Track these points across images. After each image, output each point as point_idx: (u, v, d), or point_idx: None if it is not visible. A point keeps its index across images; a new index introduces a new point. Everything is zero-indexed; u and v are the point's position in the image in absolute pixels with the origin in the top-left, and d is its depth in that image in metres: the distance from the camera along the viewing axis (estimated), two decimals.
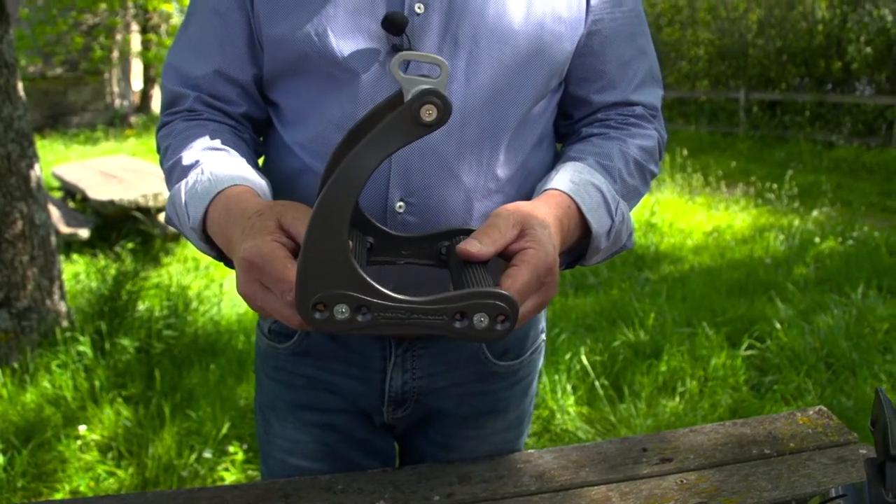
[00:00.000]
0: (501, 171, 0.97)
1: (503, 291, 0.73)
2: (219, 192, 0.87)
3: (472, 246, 0.79)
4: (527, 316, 0.80)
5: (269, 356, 1.14)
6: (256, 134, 1.06)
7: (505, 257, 0.82)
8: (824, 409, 1.22)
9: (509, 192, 0.98)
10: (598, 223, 0.91)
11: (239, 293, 0.80)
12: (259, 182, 0.91)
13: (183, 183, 0.90)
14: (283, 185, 1.00)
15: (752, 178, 7.97)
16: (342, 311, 0.64)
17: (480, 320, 0.72)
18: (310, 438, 1.12)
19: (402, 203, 0.94)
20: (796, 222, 6.18)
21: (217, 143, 0.95)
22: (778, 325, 3.71)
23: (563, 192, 0.90)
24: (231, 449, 2.65)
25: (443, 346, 1.08)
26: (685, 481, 1.03)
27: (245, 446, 2.69)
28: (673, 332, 3.59)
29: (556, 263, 0.82)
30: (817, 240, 5.60)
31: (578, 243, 0.94)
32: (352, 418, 1.12)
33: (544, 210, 0.86)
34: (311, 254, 0.62)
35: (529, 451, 1.13)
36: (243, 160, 0.94)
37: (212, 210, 0.87)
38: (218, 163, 0.91)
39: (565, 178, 0.92)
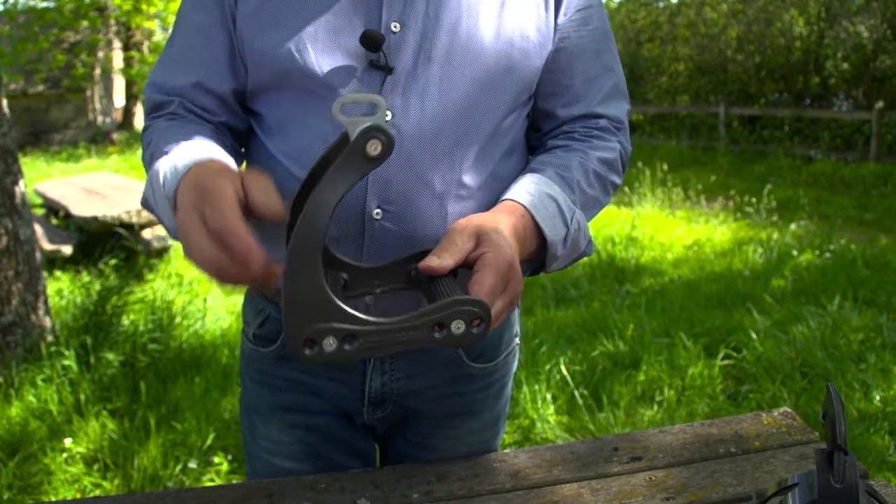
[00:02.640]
0: (473, 180, 1.02)
1: (473, 297, 0.78)
2: (195, 163, 0.87)
3: (432, 261, 0.85)
4: (500, 315, 0.86)
5: (253, 360, 1.18)
6: (236, 143, 1.10)
7: (467, 266, 0.87)
8: (789, 410, 1.27)
9: (481, 199, 1.03)
10: (552, 231, 0.97)
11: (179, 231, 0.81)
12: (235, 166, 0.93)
13: (162, 161, 0.91)
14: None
15: (732, 191, 8.08)
16: (330, 344, 0.68)
17: (458, 327, 0.78)
18: (293, 440, 1.16)
19: (379, 210, 0.98)
20: (775, 236, 6.27)
21: (199, 137, 0.97)
22: (754, 336, 3.77)
23: (518, 203, 0.97)
24: (216, 459, 2.67)
25: (420, 350, 1.12)
26: (653, 478, 1.07)
27: (230, 457, 2.72)
28: (651, 342, 3.65)
29: (516, 261, 0.89)
30: (795, 253, 5.68)
31: (537, 252, 1.00)
32: (334, 419, 1.16)
33: (498, 218, 0.93)
34: (292, 295, 0.65)
35: (505, 451, 1.17)
36: (225, 153, 0.96)
37: (184, 179, 0.86)
38: (199, 147, 0.93)
39: (522, 189, 0.99)
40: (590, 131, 1.11)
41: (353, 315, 0.68)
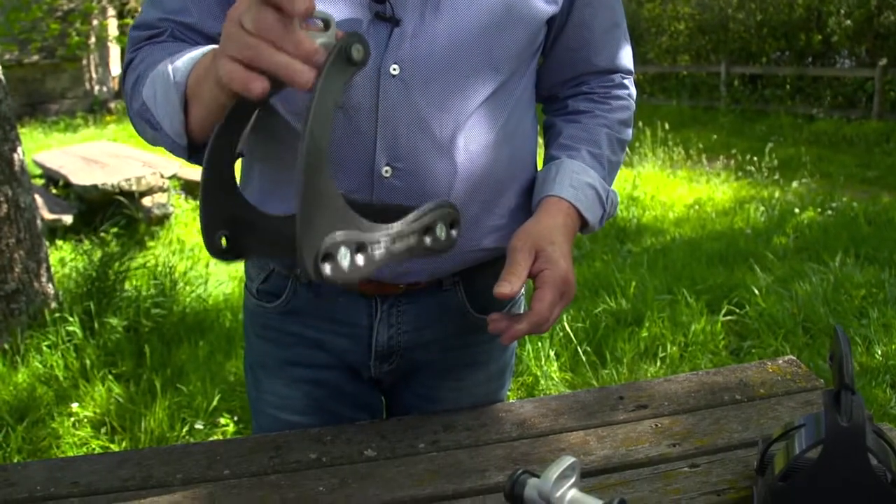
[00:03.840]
0: (483, 135, 1.01)
1: (448, 201, 0.78)
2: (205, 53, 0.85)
3: (504, 288, 0.97)
4: (555, 320, 1.02)
5: (257, 316, 1.18)
6: None
7: (530, 277, 1.00)
8: (793, 358, 1.27)
9: (491, 156, 1.02)
10: (593, 217, 1.09)
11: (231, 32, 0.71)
12: None
13: (167, 61, 0.88)
14: (272, 143, 1.03)
15: (733, 151, 8.05)
16: (345, 257, 0.65)
17: (441, 230, 0.76)
18: (299, 394, 1.16)
19: (388, 168, 0.97)
20: (776, 194, 6.26)
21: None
22: (757, 292, 3.78)
23: (564, 200, 1.06)
24: (222, 421, 2.70)
25: (426, 302, 1.13)
26: (659, 425, 1.08)
27: (235, 418, 2.74)
28: (654, 299, 3.65)
29: (571, 272, 1.02)
30: (797, 210, 5.67)
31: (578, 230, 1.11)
32: (340, 373, 1.16)
33: (551, 226, 1.03)
34: (306, 208, 0.63)
35: (511, 401, 1.17)
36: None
37: (199, 64, 0.84)
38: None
39: (565, 182, 1.07)
40: (607, 91, 1.17)
41: (361, 221, 0.66)
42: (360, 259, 0.65)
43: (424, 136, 0.97)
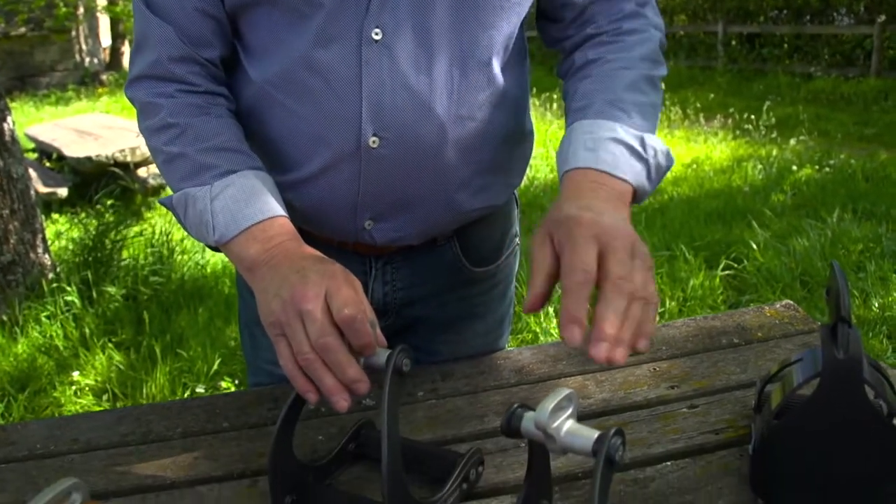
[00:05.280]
0: (473, 98, 0.97)
1: (474, 449, 0.86)
2: (260, 222, 0.89)
3: (533, 305, 0.75)
4: (651, 291, 0.74)
5: None
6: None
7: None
8: (791, 302, 1.27)
9: (483, 119, 0.99)
10: (632, 174, 0.87)
11: (295, 298, 0.78)
12: (285, 207, 0.93)
13: (207, 189, 0.90)
14: (249, 118, 1.01)
15: (731, 110, 8.00)
16: None
17: (473, 474, 0.84)
18: None
19: (375, 138, 0.94)
20: (774, 152, 6.24)
21: (227, 138, 0.94)
22: (755, 247, 3.78)
23: (581, 168, 0.86)
24: (223, 384, 2.71)
25: (421, 258, 1.12)
26: (657, 369, 1.08)
27: (236, 381, 2.75)
28: (652, 255, 3.65)
29: (605, 221, 0.76)
30: (795, 168, 5.66)
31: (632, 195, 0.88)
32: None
33: (564, 200, 0.81)
34: (394, 497, 0.72)
35: (509, 349, 1.18)
36: (265, 175, 0.94)
37: (249, 236, 0.88)
38: (248, 182, 0.91)
39: (579, 148, 0.88)
40: (618, 27, 1.00)
41: (425, 503, 0.77)
42: None
43: (410, 103, 0.93)
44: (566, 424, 0.64)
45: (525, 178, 5.11)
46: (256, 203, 0.89)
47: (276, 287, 0.81)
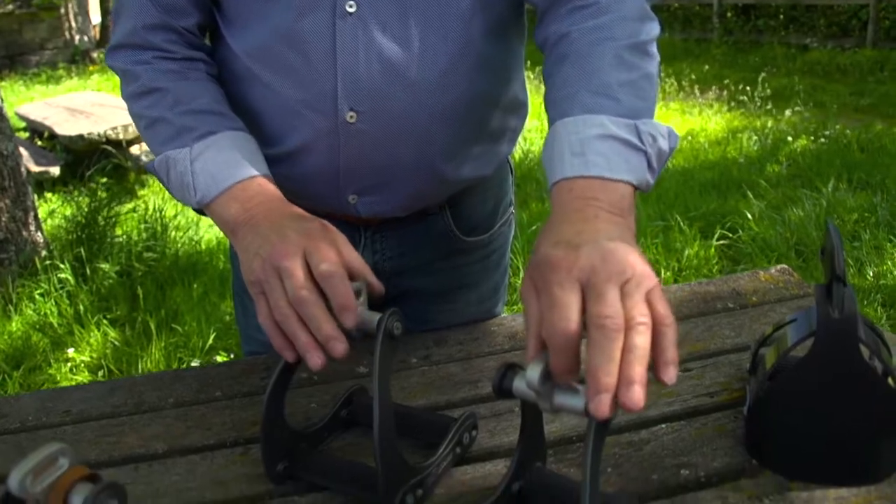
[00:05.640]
0: (452, 66, 0.94)
1: (468, 413, 0.85)
2: (240, 181, 0.88)
3: (530, 375, 0.63)
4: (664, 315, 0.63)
5: None
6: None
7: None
8: (786, 267, 1.26)
9: (464, 88, 0.96)
10: (629, 171, 0.75)
11: (272, 255, 0.77)
12: (266, 166, 0.92)
13: (187, 151, 0.90)
14: (233, 89, 0.99)
15: (726, 81, 7.97)
16: (410, 501, 0.75)
17: (466, 438, 0.84)
18: None
19: (353, 113, 0.92)
20: (769, 124, 6.22)
21: (206, 101, 0.94)
22: (750, 217, 3.78)
23: (570, 178, 0.74)
24: (219, 359, 2.70)
25: (411, 228, 1.10)
26: None
27: (232, 356, 2.74)
28: (647, 226, 3.65)
29: (590, 253, 0.64)
30: (790, 139, 5.65)
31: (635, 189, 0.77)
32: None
33: (551, 229, 0.70)
34: (385, 474, 0.72)
35: (503, 315, 1.17)
36: (246, 136, 0.93)
37: (229, 196, 0.87)
38: (227, 142, 0.90)
39: (564, 154, 0.76)
40: (584, 20, 0.85)
41: (420, 467, 0.77)
42: (419, 493, 0.76)
43: (386, 75, 0.91)
44: (535, 376, 0.63)
45: (520, 150, 5.08)
46: (236, 163, 0.89)
47: (256, 246, 0.80)
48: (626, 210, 0.72)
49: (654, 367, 0.60)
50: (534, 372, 0.62)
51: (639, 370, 0.57)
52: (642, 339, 0.58)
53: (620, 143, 0.76)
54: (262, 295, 0.78)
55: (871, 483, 0.77)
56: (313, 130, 0.94)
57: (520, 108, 1.10)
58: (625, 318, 0.59)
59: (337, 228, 1.08)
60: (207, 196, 0.88)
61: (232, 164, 0.89)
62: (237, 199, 0.87)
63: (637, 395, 0.56)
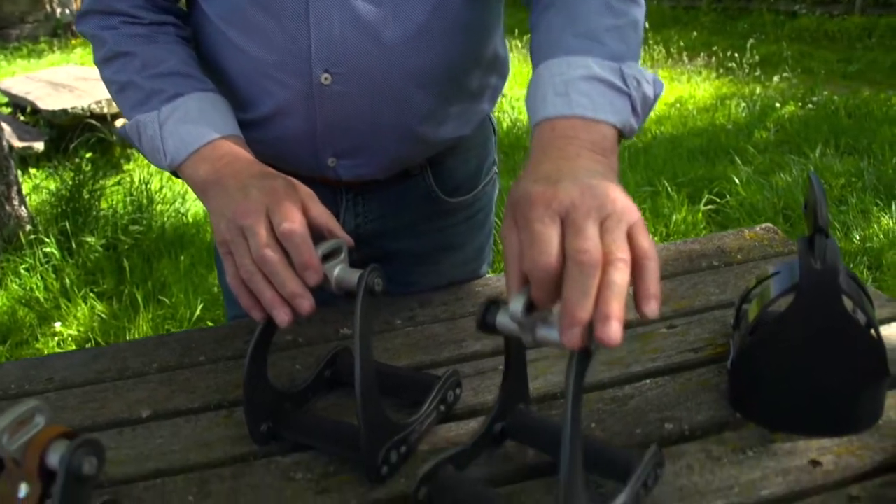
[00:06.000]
0: (429, 26, 0.92)
1: (451, 371, 0.85)
2: (209, 142, 0.87)
3: (513, 306, 0.62)
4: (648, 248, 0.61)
5: None
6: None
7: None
8: (770, 225, 1.26)
9: (441, 50, 0.94)
10: (614, 114, 0.74)
11: (234, 213, 0.76)
12: (236, 124, 0.91)
13: (156, 114, 0.89)
14: (207, 54, 0.99)
15: (715, 48, 7.94)
16: (394, 457, 0.76)
17: (451, 396, 0.85)
18: None
19: (327, 75, 0.91)
20: (758, 90, 6.21)
21: (174, 63, 0.93)
22: (738, 182, 3.78)
23: (553, 118, 0.74)
24: None
25: (393, 189, 1.09)
26: None
27: None
28: (635, 192, 3.65)
29: (572, 187, 0.63)
30: (778, 105, 5.64)
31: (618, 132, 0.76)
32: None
33: (531, 167, 0.69)
34: (368, 430, 0.72)
35: (488, 276, 1.16)
36: (216, 97, 0.92)
37: (199, 157, 0.86)
38: (195, 104, 0.90)
39: (548, 94, 0.75)
40: None
41: (403, 424, 0.77)
42: (403, 449, 0.77)
43: (360, 36, 0.90)
44: (541, 315, 0.62)
45: (508, 118, 5.06)
46: (204, 124, 0.88)
47: (222, 206, 0.79)
48: (608, 150, 0.72)
49: (635, 300, 0.59)
50: (517, 305, 0.61)
51: (616, 306, 0.56)
52: (620, 276, 0.57)
53: (605, 84, 0.75)
54: (230, 255, 0.78)
55: (852, 433, 0.77)
56: (288, 93, 0.93)
57: (500, 66, 1.09)
58: (603, 254, 0.58)
59: (317, 192, 1.07)
60: (177, 158, 0.87)
61: (201, 125, 0.88)
62: (206, 160, 0.86)
63: (614, 330, 0.56)
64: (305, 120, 0.95)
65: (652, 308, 0.58)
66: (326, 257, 0.78)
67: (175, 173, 0.91)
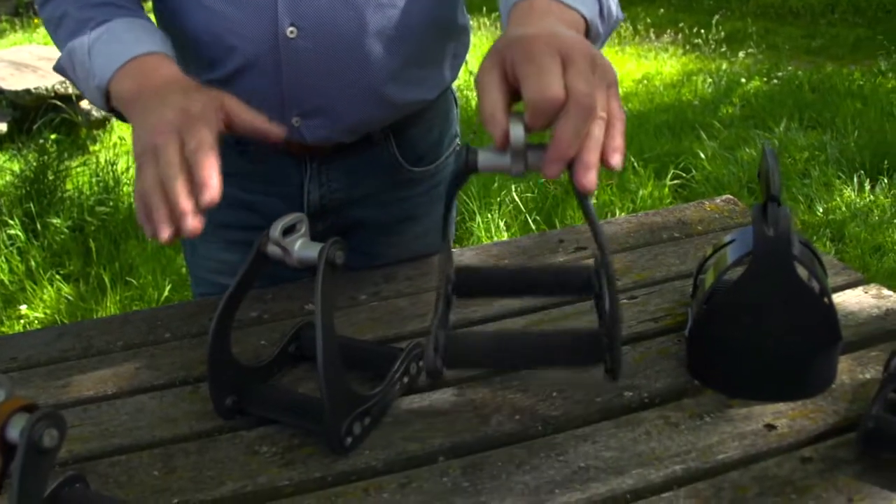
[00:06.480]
0: None
1: (415, 342, 0.87)
2: (134, 57, 0.85)
3: (494, 129, 0.63)
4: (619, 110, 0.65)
5: None
6: None
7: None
8: (731, 196, 1.28)
9: (403, 6, 0.96)
10: (584, 7, 0.77)
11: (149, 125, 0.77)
12: (169, 48, 0.90)
13: (85, 38, 0.88)
14: (173, 19, 0.98)
15: (681, 25, 7.97)
16: (358, 428, 0.77)
17: (413, 368, 0.86)
18: (236, 257, 1.14)
19: (293, 28, 0.92)
20: (724, 66, 6.25)
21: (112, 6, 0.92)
22: (703, 157, 3.81)
23: None
24: None
25: (357, 158, 1.10)
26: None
27: None
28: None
29: (555, 34, 0.65)
30: (743, 81, 5.68)
31: None
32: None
33: (513, 26, 0.70)
34: (332, 400, 0.73)
35: (452, 249, 1.17)
36: (146, 21, 0.91)
37: (123, 73, 0.85)
38: (124, 25, 0.89)
39: None
40: None
41: (366, 396, 0.78)
42: (366, 421, 0.78)
43: None
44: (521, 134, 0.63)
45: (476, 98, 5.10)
46: (131, 41, 0.87)
47: (140, 122, 0.79)
48: (580, 33, 0.74)
49: (602, 153, 0.63)
50: (518, 130, 0.62)
51: (594, 157, 0.61)
52: (599, 131, 0.62)
53: None
54: (139, 170, 0.77)
55: (806, 397, 0.79)
56: (254, 47, 0.94)
57: (462, 33, 1.11)
58: (597, 105, 0.62)
59: (281, 163, 1.07)
60: (104, 77, 0.85)
61: (127, 42, 0.87)
62: (130, 76, 0.84)
63: (593, 178, 0.62)
64: (271, 76, 0.96)
65: (617, 160, 0.64)
66: (287, 231, 0.78)
67: (112, 108, 0.90)
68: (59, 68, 0.94)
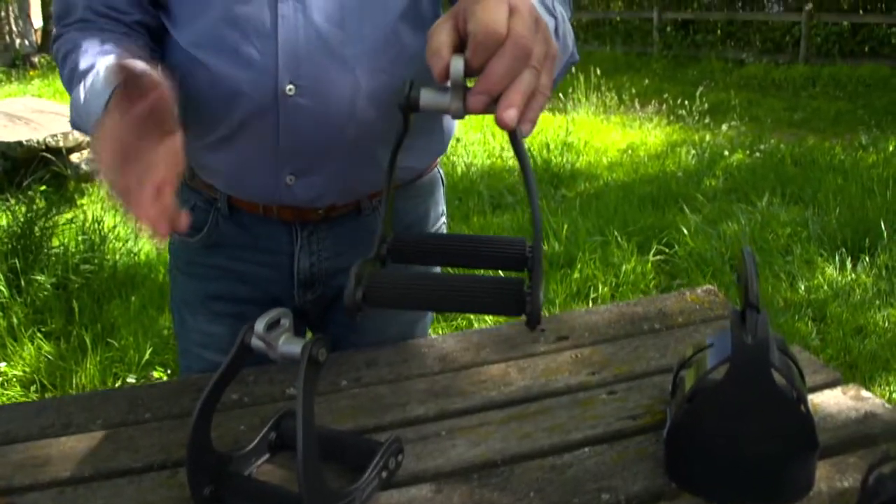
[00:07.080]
0: (385, 53, 0.99)
1: (393, 437, 0.86)
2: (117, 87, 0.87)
3: (436, 63, 0.64)
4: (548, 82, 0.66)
5: (181, 251, 1.19)
6: (153, 41, 1.06)
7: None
8: (712, 287, 1.30)
9: (394, 74, 1.00)
10: (546, 16, 0.78)
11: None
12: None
13: (81, 85, 0.91)
14: (181, 84, 1.01)
15: (665, 95, 8.13)
16: None
17: (392, 464, 0.85)
18: (223, 331, 1.15)
19: (291, 86, 0.96)
20: (707, 137, 6.36)
21: (110, 46, 0.96)
22: (686, 232, 3.86)
23: None
24: (155, 374, 2.66)
25: (346, 227, 1.13)
26: (579, 356, 1.09)
27: (168, 371, 2.71)
28: (585, 241, 3.70)
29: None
30: (726, 153, 5.78)
31: None
32: (263, 307, 1.15)
33: None
34: (310, 488, 0.73)
35: (433, 336, 1.18)
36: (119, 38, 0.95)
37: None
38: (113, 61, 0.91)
39: None
40: None
41: (344, 492, 0.79)
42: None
43: (324, 54, 0.96)
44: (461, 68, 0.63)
45: (462, 163, 5.10)
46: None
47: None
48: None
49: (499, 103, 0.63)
50: (458, 64, 0.63)
51: (519, 98, 0.62)
52: (530, 78, 0.63)
53: (538, 1, 0.79)
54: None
55: None
56: (253, 104, 0.97)
57: None
58: (533, 55, 0.63)
59: (272, 231, 1.10)
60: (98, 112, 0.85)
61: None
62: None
63: (514, 116, 0.62)
64: (269, 130, 0.99)
65: (527, 130, 0.65)
66: (270, 327, 0.79)
67: None
68: (73, 123, 0.95)
